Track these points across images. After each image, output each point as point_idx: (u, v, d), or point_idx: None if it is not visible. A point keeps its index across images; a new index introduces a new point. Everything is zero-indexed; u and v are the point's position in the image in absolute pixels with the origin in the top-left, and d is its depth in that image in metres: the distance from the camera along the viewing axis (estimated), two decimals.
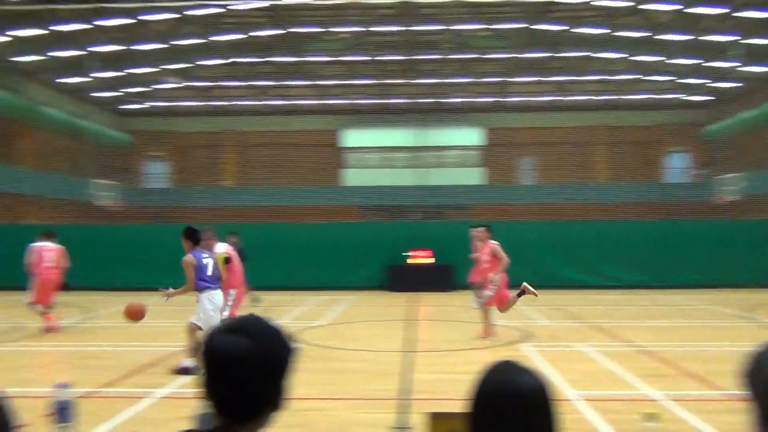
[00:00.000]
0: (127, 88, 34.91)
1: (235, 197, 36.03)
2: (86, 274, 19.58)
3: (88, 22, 25.74)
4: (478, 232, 11.16)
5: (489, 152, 38.29)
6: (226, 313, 8.33)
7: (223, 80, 35.39)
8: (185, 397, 6.33)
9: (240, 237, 14.99)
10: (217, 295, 7.92)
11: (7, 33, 26.00)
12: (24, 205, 29.42)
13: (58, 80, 32.41)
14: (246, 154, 39.15)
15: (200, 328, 7.49)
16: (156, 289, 8.20)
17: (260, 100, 38.02)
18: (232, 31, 28.53)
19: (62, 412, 2.45)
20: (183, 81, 33.91)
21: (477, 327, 10.46)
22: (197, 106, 38.63)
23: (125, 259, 19.79)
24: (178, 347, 9.37)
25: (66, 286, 13.95)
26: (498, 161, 37.59)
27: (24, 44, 27.40)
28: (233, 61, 31.53)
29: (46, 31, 26.10)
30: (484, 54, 30.95)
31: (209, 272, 7.89)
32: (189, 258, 7.81)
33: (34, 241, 11.93)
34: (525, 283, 10.14)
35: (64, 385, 2.49)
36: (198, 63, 31.72)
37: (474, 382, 1.49)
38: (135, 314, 7.78)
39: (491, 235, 10.74)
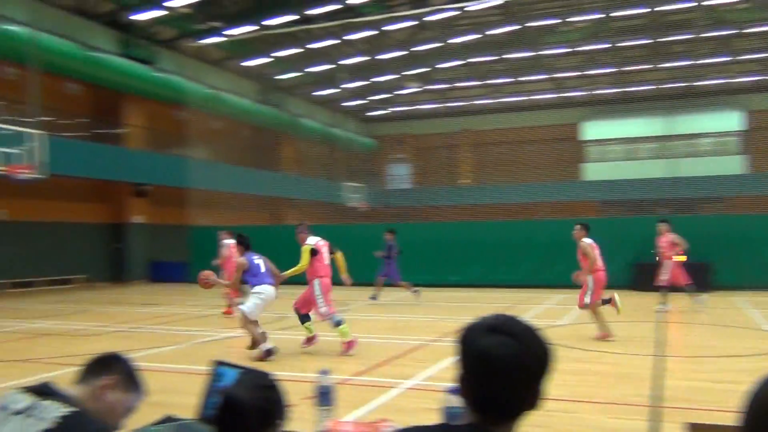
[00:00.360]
0: (371, 95, 37.19)
1: (473, 196, 36.49)
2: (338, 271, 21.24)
3: (338, 37, 27.91)
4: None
5: (751, 137, 34.30)
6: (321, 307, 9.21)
7: (459, 81, 36.09)
8: (432, 389, 6.59)
9: (395, 235, 16.52)
10: (267, 289, 9.01)
11: (271, 54, 29.13)
12: (287, 207, 32.79)
13: (313, 93, 35.60)
14: (482, 153, 39.48)
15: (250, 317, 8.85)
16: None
17: (496, 98, 38.10)
18: (468, 32, 28.99)
19: (324, 396, 2.72)
20: (422, 85, 35.21)
21: (738, 331, 9.48)
22: (435, 108, 39.85)
23: (373, 256, 21.13)
24: (423, 340, 9.82)
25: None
26: (763, 147, 33.52)
27: (284, 63, 30.54)
28: (469, 62, 32.00)
29: (302, 50, 28.79)
30: (743, 29, 27.80)
31: (262, 269, 9.10)
32: (241, 260, 9.10)
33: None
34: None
35: (326, 371, 2.76)
36: (436, 66, 32.72)
37: (748, 394, 1.25)
38: (206, 285, 9.37)
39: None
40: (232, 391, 2.02)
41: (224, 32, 25.48)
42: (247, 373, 2.10)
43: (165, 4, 22.81)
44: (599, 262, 10.34)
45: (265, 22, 25.29)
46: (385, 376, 7.41)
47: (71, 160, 20.29)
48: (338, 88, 33.41)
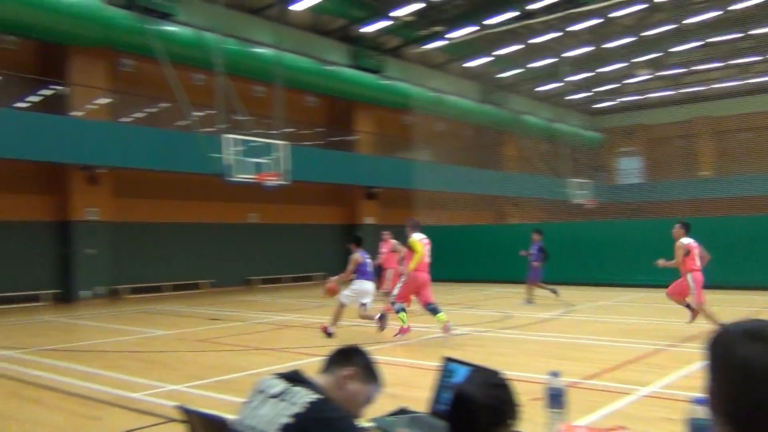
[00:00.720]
0: (597, 87, 35.63)
1: (714, 188, 33.23)
2: (566, 270, 20.70)
3: (560, 30, 27.14)
4: None
5: None
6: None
7: (696, 64, 33.17)
8: (673, 398, 6.18)
9: (543, 236, 15.80)
10: (365, 283, 10.68)
11: (492, 53, 29.18)
12: (509, 206, 32.59)
13: (535, 89, 34.99)
14: (724, 141, 35.82)
15: (344, 305, 10.63)
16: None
17: (739, 80, 34.38)
18: (706, 10, 26.54)
19: (555, 398, 2.68)
20: (653, 71, 32.95)
21: None
22: (668, 95, 37.03)
23: (603, 255, 20.25)
24: (659, 345, 9.21)
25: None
26: None
27: (505, 61, 30.42)
28: (708, 42, 29.27)
29: (524, 46, 28.44)
30: None
31: (368, 268, 10.88)
32: (357, 256, 10.79)
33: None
34: None
35: (556, 373, 2.72)
36: (669, 51, 30.42)
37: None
38: (331, 292, 10.79)
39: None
40: (464, 387, 2.08)
41: (446, 36, 26.05)
42: (479, 370, 2.14)
43: (391, 14, 23.93)
44: (696, 262, 10.53)
45: (486, 22, 25.41)
46: (618, 381, 7.07)
47: (310, 167, 22.15)
48: (562, 81, 32.48)
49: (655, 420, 5.55)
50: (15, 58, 18.44)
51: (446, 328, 10.11)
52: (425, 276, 10.78)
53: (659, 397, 6.38)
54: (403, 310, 10.54)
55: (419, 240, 11.06)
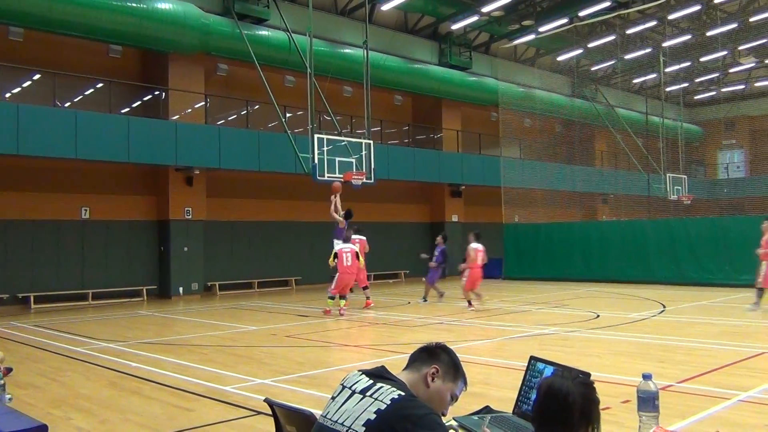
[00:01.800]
0: (697, 77, 34.03)
1: None
2: (661, 269, 19.87)
3: (658, 19, 26.09)
4: None
5: None
6: None
7: None
8: None
9: (447, 241, 17.15)
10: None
11: (584, 46, 28.38)
12: (599, 203, 31.63)
13: (630, 81, 33.76)
14: None
15: None
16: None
17: None
18: None
19: (646, 401, 2.57)
20: (759, 60, 31.13)
21: None
22: None
23: (702, 254, 19.34)
24: (764, 348, 8.70)
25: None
26: None
27: (598, 54, 29.51)
28: None
29: (618, 37, 27.50)
30: None
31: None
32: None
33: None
34: None
35: (649, 375, 2.61)
36: None
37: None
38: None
39: None
40: (556, 381, 2.03)
41: (536, 30, 25.54)
42: (567, 369, 2.09)
43: (479, 10, 23.68)
44: None
45: (578, 14, 24.74)
46: (715, 385, 6.73)
47: (396, 166, 22.28)
48: (658, 73, 31.21)
49: (754, 427, 5.24)
50: (119, 66, 19.49)
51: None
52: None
53: (760, 403, 6.02)
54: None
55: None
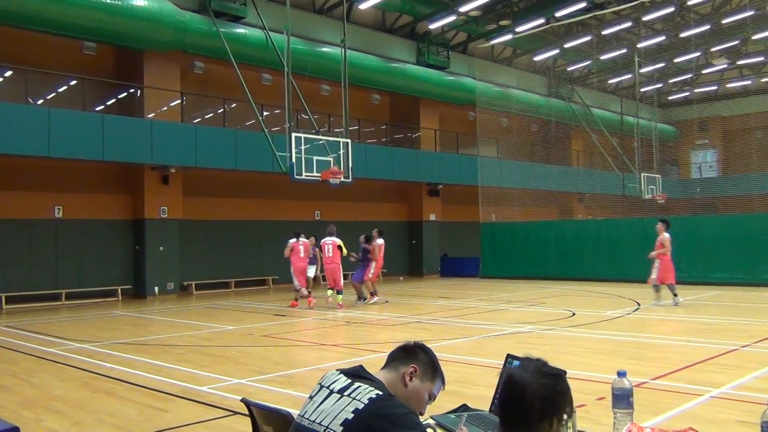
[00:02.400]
0: (671, 78, 34.48)
1: None
2: (635, 268, 20.10)
3: (633, 20, 26.38)
4: None
5: None
6: None
7: None
8: (745, 400, 5.93)
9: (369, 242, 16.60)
10: None
11: (560, 46, 28.61)
12: (575, 201, 31.93)
13: (605, 82, 34.10)
14: None
15: None
16: None
17: None
18: None
19: (621, 398, 2.60)
20: (731, 61, 31.65)
21: None
22: (747, 85, 35.49)
23: (675, 252, 19.58)
24: (733, 345, 8.85)
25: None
26: None
27: (574, 54, 29.77)
28: None
29: (594, 37, 27.77)
30: None
31: None
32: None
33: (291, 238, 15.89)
34: None
35: (623, 373, 2.64)
36: (748, 38, 29.16)
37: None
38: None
39: None
40: (516, 372, 1.97)
41: (513, 30, 25.69)
42: (530, 360, 2.05)
43: (457, 9, 23.76)
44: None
45: (555, 14, 24.93)
46: (687, 381, 6.82)
47: (374, 165, 22.27)
48: (633, 73, 31.58)
49: (727, 422, 5.33)
50: (93, 63, 19.23)
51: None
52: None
53: (732, 399, 6.12)
54: None
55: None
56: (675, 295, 13.94)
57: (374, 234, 16.76)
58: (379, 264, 16.60)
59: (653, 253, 14.24)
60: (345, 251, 15.78)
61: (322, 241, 15.84)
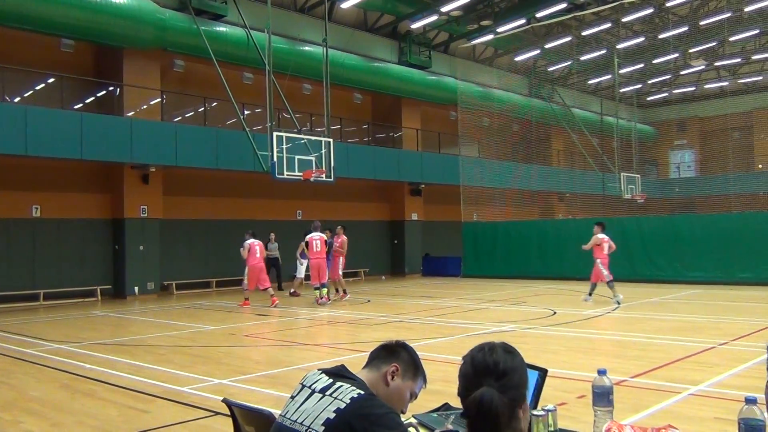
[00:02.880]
0: (650, 79, 34.84)
1: None
2: (616, 266, 20.25)
3: (613, 21, 26.60)
4: None
5: None
6: None
7: (756, 53, 32.10)
8: (722, 397, 6.01)
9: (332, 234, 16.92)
10: None
11: (541, 47, 28.80)
12: (556, 201, 32.13)
13: (585, 82, 34.37)
14: None
15: None
16: None
17: None
18: None
19: (601, 396, 2.62)
20: (709, 62, 32.05)
21: None
22: (724, 86, 35.96)
23: (654, 252, 19.81)
24: (712, 343, 8.97)
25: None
26: None
27: (555, 54, 29.97)
28: (766, 30, 28.30)
29: (574, 38, 27.98)
30: None
31: None
32: None
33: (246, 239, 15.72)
34: None
35: (603, 371, 2.66)
36: (726, 40, 29.54)
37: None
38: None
39: None
40: (482, 395, 1.82)
41: (494, 30, 25.80)
42: (481, 348, 2.06)
43: (438, 9, 23.82)
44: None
45: (535, 15, 25.08)
46: (666, 379, 6.90)
47: (355, 164, 22.25)
48: (613, 74, 31.88)
49: (705, 419, 5.40)
50: (71, 61, 19.01)
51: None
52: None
53: (709, 396, 6.21)
54: None
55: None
56: (590, 294, 14.99)
57: (338, 230, 17.05)
58: (342, 261, 17.07)
59: (586, 246, 15.37)
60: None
61: (310, 236, 15.87)
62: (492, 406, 1.75)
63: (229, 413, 2.90)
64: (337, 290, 17.00)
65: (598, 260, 14.81)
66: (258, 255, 15.74)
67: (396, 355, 2.36)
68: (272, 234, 20.60)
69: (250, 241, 15.86)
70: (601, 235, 15.01)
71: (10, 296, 17.24)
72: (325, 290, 15.65)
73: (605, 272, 14.64)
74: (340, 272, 16.92)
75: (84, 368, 8.22)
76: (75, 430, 5.54)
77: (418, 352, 2.44)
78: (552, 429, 2.43)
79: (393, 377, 2.31)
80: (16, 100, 18.32)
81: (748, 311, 13.07)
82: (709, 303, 14.55)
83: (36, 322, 13.67)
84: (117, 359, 8.84)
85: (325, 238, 16.05)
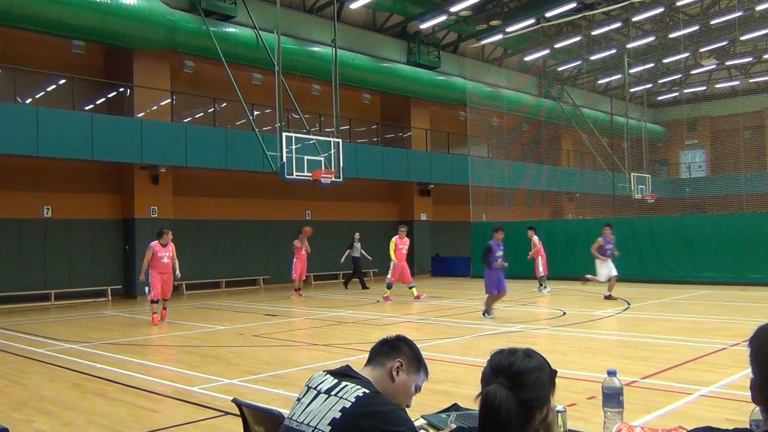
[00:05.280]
0: (660, 79, 34.67)
1: None
2: (626, 267, 20.19)
3: (623, 20, 26.49)
4: None
5: None
6: None
7: (766, 53, 31.86)
8: (734, 398, 5.97)
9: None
10: None
11: (551, 47, 28.71)
12: (565, 201, 32.01)
13: (595, 82, 34.24)
14: None
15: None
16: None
17: None
18: None
19: (611, 397, 2.61)
20: (720, 61, 31.86)
21: None
22: (735, 86, 35.73)
23: (664, 252, 19.72)
24: (722, 344, 8.91)
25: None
26: None
27: (564, 54, 29.87)
28: None
29: (584, 38, 27.88)
30: None
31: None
32: None
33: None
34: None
35: (613, 372, 2.65)
36: (737, 39, 29.37)
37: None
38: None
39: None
40: (490, 391, 1.82)
41: (504, 30, 25.74)
42: (501, 353, 1.98)
43: (447, 9, 23.79)
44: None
45: (545, 15, 25.01)
46: (677, 380, 6.87)
47: (364, 164, 22.26)
48: (623, 74, 31.74)
49: (716, 421, 5.36)
50: (82, 62, 19.12)
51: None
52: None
53: (720, 397, 6.17)
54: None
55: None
56: (541, 285, 18.05)
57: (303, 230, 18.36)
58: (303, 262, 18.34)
59: (530, 255, 18.32)
60: (393, 252, 16.60)
61: (396, 237, 16.77)
62: (497, 401, 1.75)
63: (238, 413, 2.91)
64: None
65: (540, 258, 17.96)
66: (165, 260, 13.09)
67: (398, 350, 2.37)
68: (357, 234, 20.74)
69: (155, 242, 13.55)
70: (536, 237, 18.11)
71: (22, 296, 17.36)
72: (414, 290, 16.34)
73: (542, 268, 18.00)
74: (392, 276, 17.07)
75: (95, 368, 8.26)
76: (86, 429, 5.58)
77: (426, 353, 2.44)
78: (562, 430, 2.43)
79: (398, 372, 2.31)
80: (28, 101, 18.44)
81: (760, 312, 12.98)
82: (720, 304, 14.46)
83: (47, 322, 13.76)
84: (127, 359, 8.88)
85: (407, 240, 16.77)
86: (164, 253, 12.94)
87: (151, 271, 12.77)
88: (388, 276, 16.96)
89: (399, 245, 16.73)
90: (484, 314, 12.66)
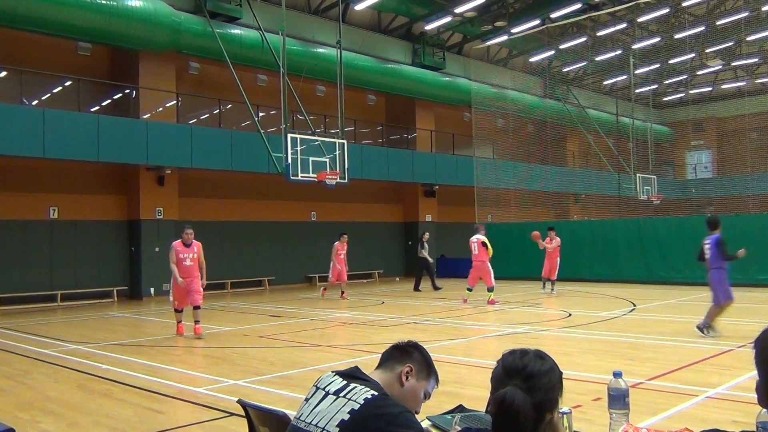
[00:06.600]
0: (666, 79, 34.57)
1: None
2: (631, 268, 20.16)
3: (628, 21, 26.43)
4: None
5: None
6: None
7: None
8: (741, 400, 5.94)
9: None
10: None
11: (556, 47, 28.66)
12: (571, 202, 31.95)
13: (600, 83, 34.17)
14: None
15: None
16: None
17: None
18: None
19: (617, 399, 2.60)
20: (726, 62, 31.75)
21: None
22: (742, 86, 35.58)
23: (670, 253, 19.65)
24: (729, 345, 8.87)
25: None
26: None
27: (570, 55, 29.82)
28: None
29: (589, 39, 27.83)
30: None
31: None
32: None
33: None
34: None
35: (619, 373, 2.64)
36: (743, 40, 29.26)
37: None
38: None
39: None
40: (507, 393, 1.80)
41: (509, 31, 25.72)
42: (513, 353, 1.96)
43: (452, 10, 23.79)
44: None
45: (550, 16, 24.98)
46: (683, 382, 6.84)
47: (369, 165, 22.26)
48: (628, 74, 31.69)
49: (722, 422, 5.33)
50: (88, 64, 19.19)
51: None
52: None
53: (727, 399, 6.14)
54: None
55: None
56: (545, 286, 18.34)
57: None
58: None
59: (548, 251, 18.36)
60: (491, 249, 15.93)
61: (470, 239, 16.14)
62: (514, 403, 1.74)
63: (244, 414, 2.91)
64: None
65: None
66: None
67: (409, 356, 2.36)
68: (426, 233, 20.69)
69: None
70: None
71: (28, 297, 17.42)
72: (492, 294, 15.37)
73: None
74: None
75: (100, 369, 8.28)
76: (91, 429, 5.59)
77: (432, 354, 2.44)
78: (567, 431, 2.41)
79: (407, 378, 2.31)
80: (34, 102, 18.51)
81: (767, 313, 12.92)
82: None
83: (53, 323, 13.80)
84: (133, 360, 8.90)
85: (483, 240, 15.93)
86: (187, 254, 11.28)
87: (173, 276, 11.19)
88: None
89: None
90: (703, 330, 9.88)
